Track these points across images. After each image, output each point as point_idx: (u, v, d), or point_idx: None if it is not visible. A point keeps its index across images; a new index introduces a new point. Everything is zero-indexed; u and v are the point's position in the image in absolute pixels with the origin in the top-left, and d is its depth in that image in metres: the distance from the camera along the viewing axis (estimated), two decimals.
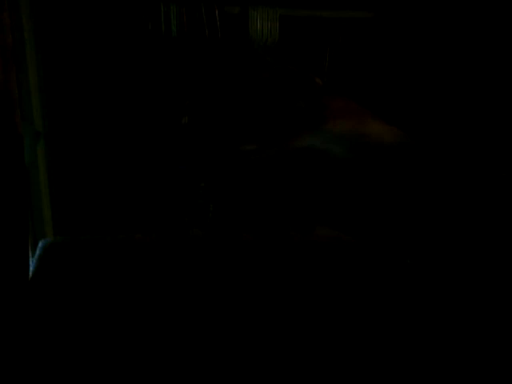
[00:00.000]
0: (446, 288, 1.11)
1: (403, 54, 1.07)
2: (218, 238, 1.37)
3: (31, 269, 1.35)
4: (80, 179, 1.74)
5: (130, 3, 1.62)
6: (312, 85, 1.05)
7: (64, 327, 1.12)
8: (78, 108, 1.72)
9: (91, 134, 1.75)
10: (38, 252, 1.37)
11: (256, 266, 1.28)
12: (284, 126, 0.95)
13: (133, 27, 1.65)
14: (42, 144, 1.63)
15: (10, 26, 1.31)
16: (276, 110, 1.00)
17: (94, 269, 1.31)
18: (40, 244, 1.40)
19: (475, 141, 1.08)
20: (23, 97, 1.52)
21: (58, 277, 1.26)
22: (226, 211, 1.29)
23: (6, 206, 1.15)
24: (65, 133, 1.71)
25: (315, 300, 1.24)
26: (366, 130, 0.85)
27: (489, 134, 1.05)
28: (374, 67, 1.13)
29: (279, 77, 1.08)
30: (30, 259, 1.43)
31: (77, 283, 1.26)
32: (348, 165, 0.81)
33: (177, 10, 1.63)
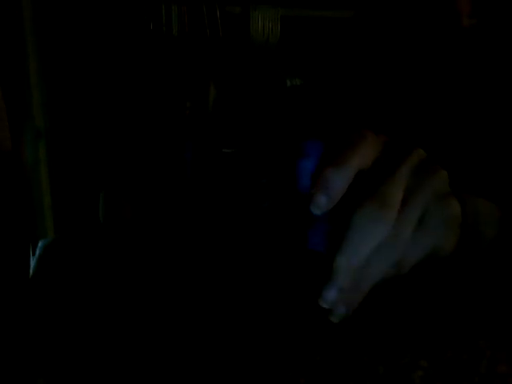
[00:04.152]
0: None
1: (398, 54, 1.07)
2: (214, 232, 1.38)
3: (31, 269, 1.35)
4: (81, 178, 1.74)
5: (131, 3, 1.62)
6: None
7: (64, 327, 1.12)
8: (79, 107, 1.72)
9: (93, 133, 1.75)
10: (37, 252, 1.37)
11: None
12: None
13: (134, 27, 1.64)
14: (43, 143, 1.63)
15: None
16: None
17: (94, 269, 1.31)
18: (40, 244, 1.40)
19: (469, 144, 1.07)
20: (24, 95, 1.52)
21: (58, 277, 1.26)
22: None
23: (5, 206, 1.15)
24: (66, 131, 1.71)
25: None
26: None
27: (484, 136, 1.04)
28: (374, 67, 1.12)
29: None
30: (30, 259, 1.43)
31: (77, 283, 1.27)
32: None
33: (178, 9, 1.63)
